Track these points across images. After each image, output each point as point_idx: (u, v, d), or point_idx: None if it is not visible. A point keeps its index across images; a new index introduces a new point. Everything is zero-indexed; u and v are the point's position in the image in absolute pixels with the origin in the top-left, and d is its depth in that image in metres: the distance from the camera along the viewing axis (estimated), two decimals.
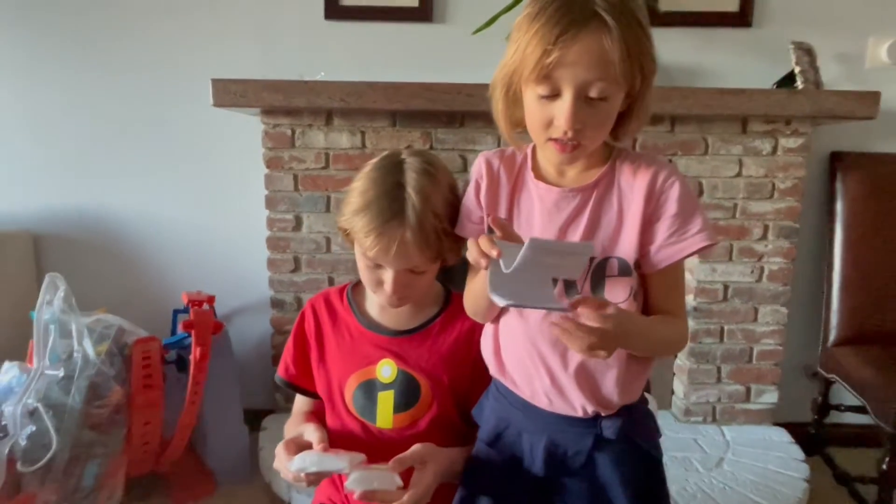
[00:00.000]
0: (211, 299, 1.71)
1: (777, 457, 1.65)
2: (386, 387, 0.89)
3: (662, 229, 0.73)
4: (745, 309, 1.77)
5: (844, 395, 1.73)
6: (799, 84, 1.66)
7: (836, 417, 1.86)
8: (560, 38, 0.65)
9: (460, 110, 1.64)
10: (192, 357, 1.51)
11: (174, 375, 1.64)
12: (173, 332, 1.81)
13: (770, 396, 1.82)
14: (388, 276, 0.84)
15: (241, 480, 1.67)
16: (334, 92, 1.58)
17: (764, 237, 1.74)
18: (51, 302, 1.47)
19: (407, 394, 0.89)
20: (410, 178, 0.81)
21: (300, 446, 0.82)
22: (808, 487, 1.52)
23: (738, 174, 1.71)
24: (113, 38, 1.80)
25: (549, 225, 0.76)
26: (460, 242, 0.86)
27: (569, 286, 0.74)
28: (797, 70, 1.66)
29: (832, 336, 1.75)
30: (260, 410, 1.82)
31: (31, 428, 1.32)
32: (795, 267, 1.76)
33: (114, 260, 1.89)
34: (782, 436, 1.76)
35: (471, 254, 0.68)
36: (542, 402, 0.79)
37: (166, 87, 1.81)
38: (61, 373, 1.39)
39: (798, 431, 1.80)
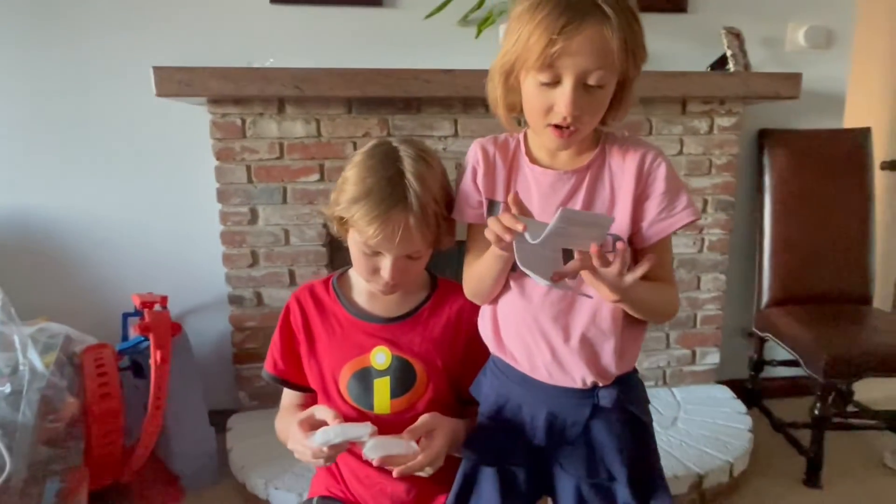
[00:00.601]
0: (164, 300, 1.63)
1: (723, 412, 1.80)
2: (381, 373, 0.90)
3: (652, 207, 0.78)
4: (689, 278, 1.90)
5: (777, 351, 1.91)
6: (731, 67, 1.78)
7: (769, 372, 2.04)
8: (564, 28, 0.68)
9: (417, 96, 1.63)
10: (152, 361, 1.45)
11: (130, 382, 1.57)
12: (124, 338, 1.72)
13: (713, 357, 1.97)
14: (385, 263, 0.84)
15: (210, 484, 1.62)
16: (288, 79, 1.53)
17: (704, 211, 1.86)
18: None
19: (403, 379, 0.90)
20: (408, 165, 0.81)
21: (314, 425, 0.81)
22: (753, 437, 1.67)
23: (680, 152, 1.82)
24: (43, 24, 1.64)
25: (546, 206, 0.79)
26: (454, 227, 0.88)
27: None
28: (729, 54, 1.78)
29: (765, 298, 1.92)
30: (224, 411, 1.77)
31: None
32: (731, 237, 1.90)
33: (51, 264, 1.75)
34: (725, 392, 1.92)
35: (491, 232, 0.70)
36: (541, 376, 0.82)
37: (103, 76, 1.68)
38: (7, 388, 1.29)
39: (737, 387, 1.96)
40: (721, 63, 1.82)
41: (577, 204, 0.79)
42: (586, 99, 0.72)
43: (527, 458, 0.85)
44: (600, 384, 0.81)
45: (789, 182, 1.90)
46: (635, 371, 0.87)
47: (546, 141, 0.79)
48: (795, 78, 1.72)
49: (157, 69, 1.47)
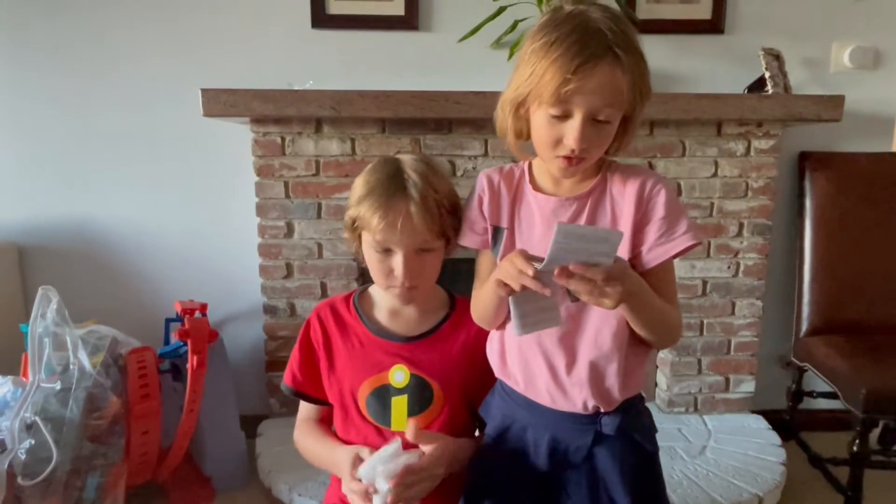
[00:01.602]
0: (204, 307, 1.72)
1: (756, 443, 1.74)
2: (399, 391, 0.93)
3: (652, 231, 0.79)
4: (723, 303, 1.86)
5: (816, 382, 1.83)
6: (769, 88, 1.74)
7: (808, 403, 1.96)
8: (579, 68, 0.71)
9: (448, 117, 1.68)
10: (189, 366, 1.52)
11: (169, 385, 1.65)
12: (166, 342, 1.81)
13: (747, 386, 1.91)
14: (398, 260, 0.87)
15: (240, 486, 1.68)
16: (325, 100, 1.60)
17: (739, 234, 1.82)
18: (44, 315, 1.46)
19: (420, 397, 0.93)
20: (408, 164, 0.88)
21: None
22: (785, 471, 1.60)
23: (714, 174, 1.79)
24: (99, 47, 1.79)
25: (549, 231, 0.81)
26: (460, 226, 0.91)
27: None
28: (767, 75, 1.75)
29: (804, 327, 1.85)
30: (255, 416, 1.83)
31: (30, 441, 1.32)
32: (769, 262, 1.85)
33: (101, 270, 1.88)
34: (759, 423, 1.85)
35: (503, 281, 0.74)
36: (544, 400, 0.84)
37: (152, 96, 1.81)
38: (58, 385, 1.39)
39: (774, 418, 1.89)
40: (759, 85, 1.79)
41: None
42: (594, 132, 0.75)
43: (530, 482, 0.86)
44: (603, 409, 0.82)
45: (831, 206, 1.83)
46: (642, 399, 0.87)
47: (553, 169, 0.82)
48: (837, 100, 1.67)
49: (204, 91, 1.57)
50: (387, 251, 0.88)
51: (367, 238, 0.89)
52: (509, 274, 0.72)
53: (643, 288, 0.75)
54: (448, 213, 0.88)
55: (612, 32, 0.72)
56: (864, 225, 1.81)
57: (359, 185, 0.89)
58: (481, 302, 0.87)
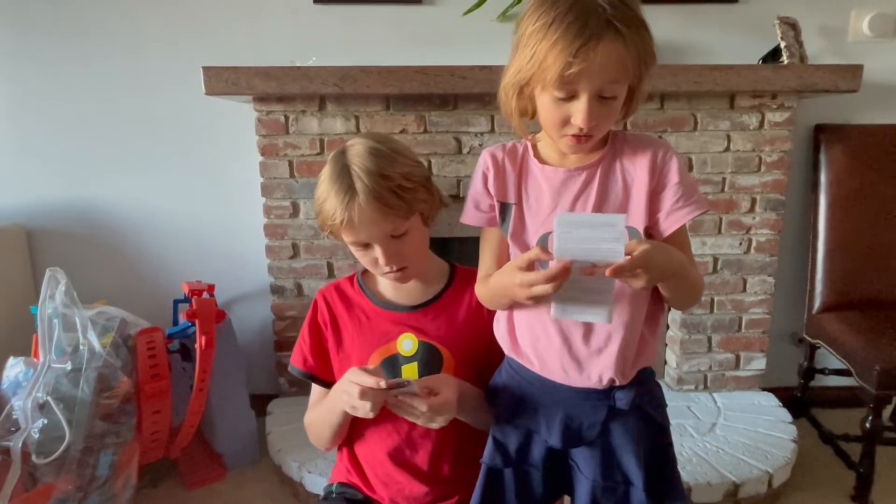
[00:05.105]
0: (211, 288, 1.72)
1: (766, 420, 1.72)
2: (408, 360, 0.93)
3: (669, 196, 0.79)
4: (734, 280, 1.83)
5: (828, 359, 1.81)
6: (784, 59, 1.69)
7: (820, 381, 1.94)
8: (580, 50, 0.68)
9: (454, 92, 1.64)
10: (197, 346, 1.53)
11: (178, 364, 1.67)
12: (175, 322, 1.82)
13: (758, 363, 1.89)
14: (377, 251, 0.88)
15: (250, 463, 1.71)
16: (328, 77, 1.58)
17: (751, 210, 1.79)
18: (52, 296, 1.47)
19: (430, 364, 0.93)
20: (354, 159, 0.85)
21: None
22: (796, 447, 1.59)
23: (727, 149, 1.75)
24: (102, 28, 1.77)
25: (559, 202, 0.81)
26: (431, 194, 0.90)
27: None
28: (782, 45, 1.70)
29: (817, 303, 1.82)
30: (264, 395, 1.85)
31: (43, 421, 1.34)
32: (782, 238, 1.81)
33: (110, 252, 1.89)
34: (770, 400, 1.84)
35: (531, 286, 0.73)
36: (557, 376, 0.83)
37: (156, 77, 1.79)
38: (68, 366, 1.40)
39: (785, 395, 1.88)
40: (774, 55, 1.74)
41: (591, 198, 0.80)
42: (601, 109, 0.73)
43: (543, 460, 0.85)
44: (617, 382, 0.81)
45: (847, 180, 1.79)
46: (652, 372, 0.86)
47: (563, 147, 0.80)
48: (855, 70, 1.61)
49: (206, 69, 1.55)
50: (364, 245, 0.88)
51: (343, 238, 0.89)
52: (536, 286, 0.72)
53: (673, 266, 0.73)
54: (410, 191, 0.86)
55: (611, 5, 0.68)
56: (882, 199, 1.77)
57: (319, 185, 0.88)
58: (492, 295, 0.85)
